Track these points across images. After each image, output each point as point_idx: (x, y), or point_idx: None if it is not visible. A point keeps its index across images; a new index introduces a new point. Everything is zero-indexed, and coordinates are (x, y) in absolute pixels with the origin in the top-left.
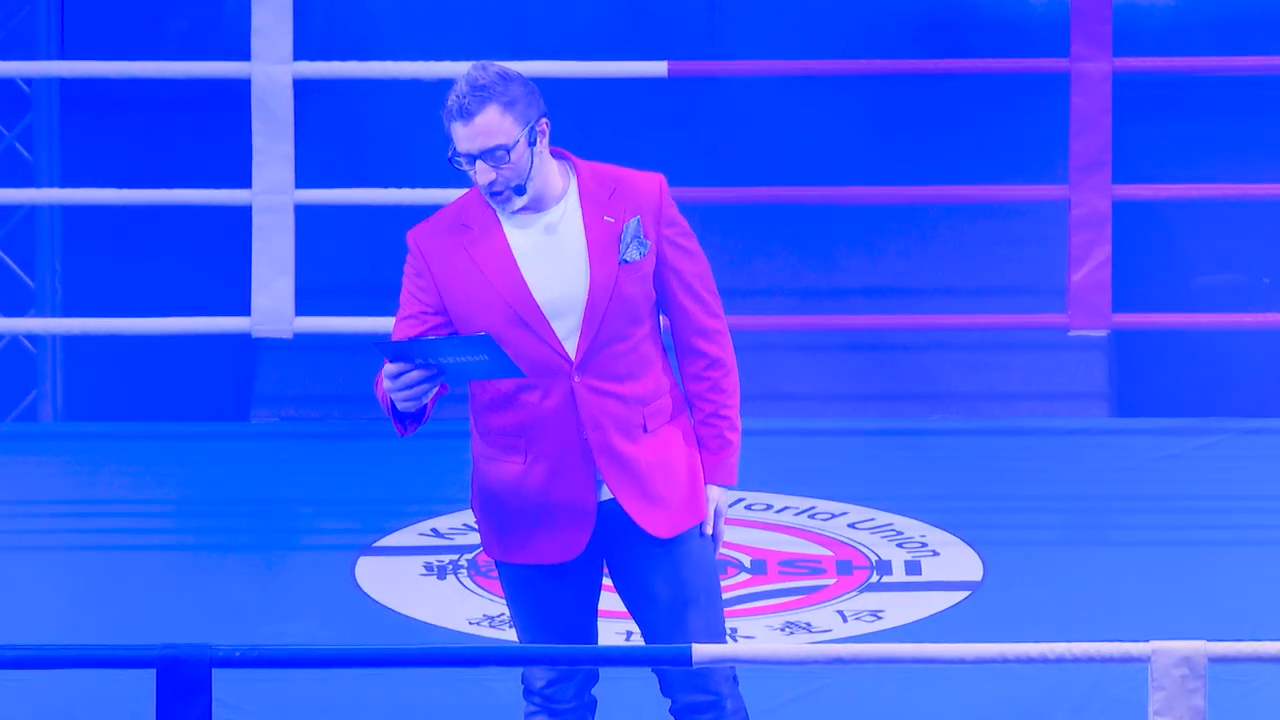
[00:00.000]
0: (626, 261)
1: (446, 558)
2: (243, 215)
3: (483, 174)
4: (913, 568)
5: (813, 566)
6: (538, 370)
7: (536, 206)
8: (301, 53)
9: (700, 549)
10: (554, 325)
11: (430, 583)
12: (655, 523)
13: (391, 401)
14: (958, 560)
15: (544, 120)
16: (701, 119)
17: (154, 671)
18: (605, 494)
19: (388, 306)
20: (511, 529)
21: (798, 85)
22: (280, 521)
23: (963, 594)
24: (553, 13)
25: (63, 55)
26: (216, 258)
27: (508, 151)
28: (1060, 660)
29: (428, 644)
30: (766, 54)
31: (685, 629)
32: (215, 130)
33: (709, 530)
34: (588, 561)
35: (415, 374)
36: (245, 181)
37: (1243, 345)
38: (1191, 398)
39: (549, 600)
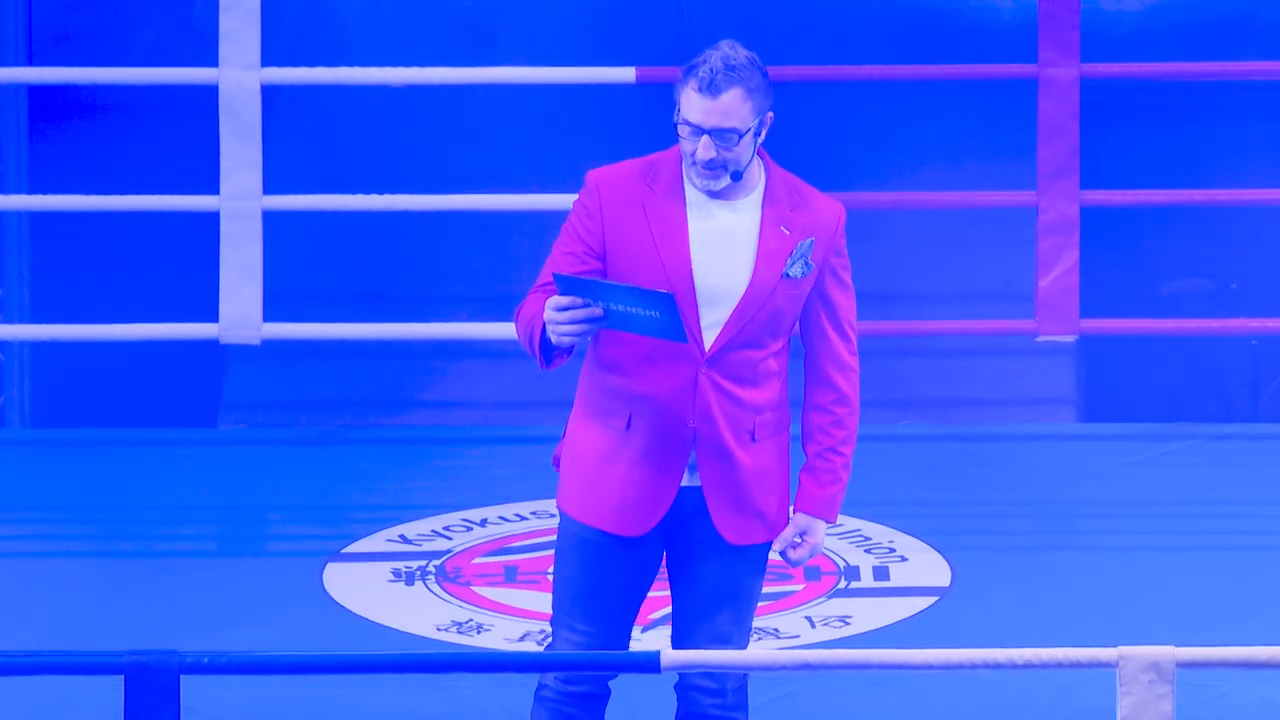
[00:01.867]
0: (789, 276)
1: (414, 564)
2: (211, 221)
3: (705, 150)
4: (881, 573)
5: (780, 572)
6: (670, 350)
7: (725, 195)
8: (270, 59)
9: (759, 563)
10: (701, 312)
11: (398, 589)
12: (731, 528)
13: (542, 332)
14: (926, 566)
15: (770, 114)
16: (670, 125)
17: (122, 678)
18: (687, 480)
19: (356, 312)
20: (590, 489)
21: None
22: (248, 528)
23: (931, 599)
24: (521, 18)
25: (30, 61)
26: (184, 264)
27: (739, 137)
28: (1028, 666)
29: (395, 650)
30: None
31: (715, 617)
32: (183, 136)
33: (788, 553)
34: (650, 543)
35: (582, 312)
36: (213, 188)
37: (1210, 351)
38: (1159, 403)
39: (601, 568)
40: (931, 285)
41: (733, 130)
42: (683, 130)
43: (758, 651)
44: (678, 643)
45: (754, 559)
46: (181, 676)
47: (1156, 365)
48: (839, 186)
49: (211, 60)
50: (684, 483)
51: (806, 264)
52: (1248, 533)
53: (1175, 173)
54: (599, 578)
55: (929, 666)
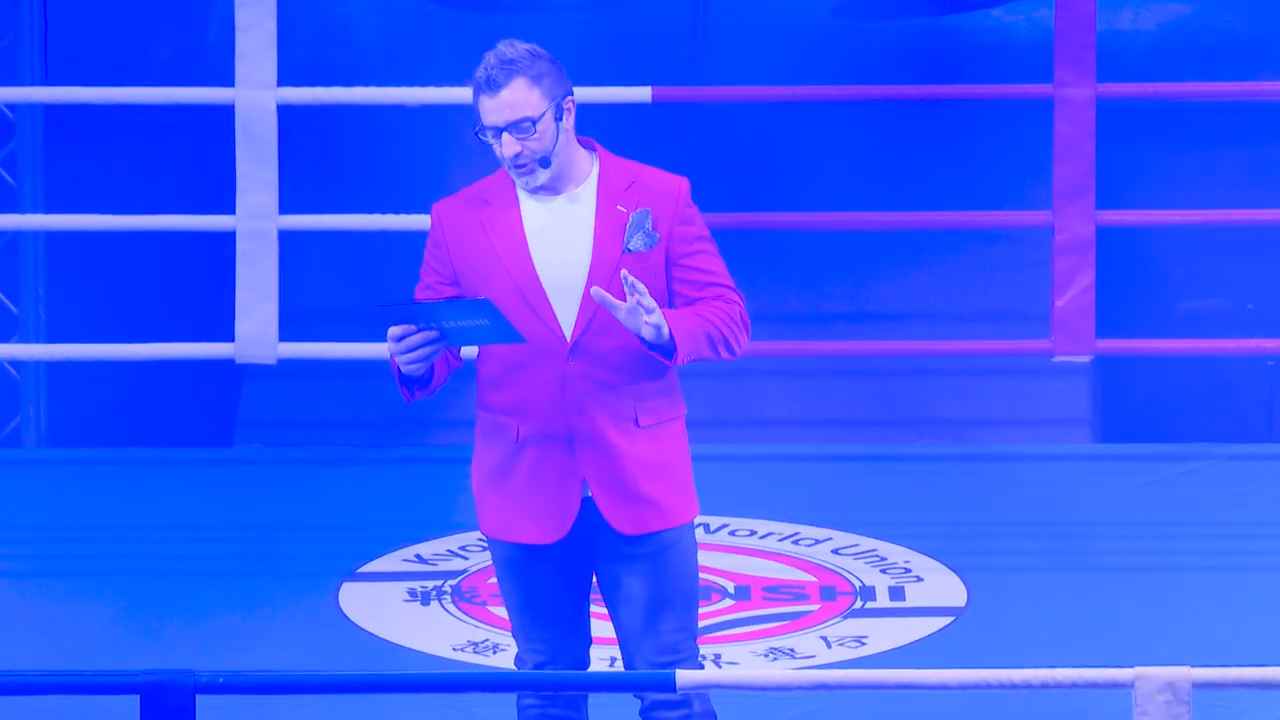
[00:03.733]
0: (631, 250)
1: (430, 584)
2: (227, 241)
3: (508, 146)
4: (896, 593)
5: (796, 592)
6: (533, 349)
7: (556, 188)
8: (285, 78)
9: (678, 550)
10: (555, 306)
11: (414, 609)
12: (623, 519)
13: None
14: (942, 586)
15: (570, 99)
16: (685, 145)
17: (137, 697)
18: (589, 491)
19: (372, 332)
20: (498, 507)
21: (781, 111)
22: (263, 547)
23: (946, 620)
24: (536, 38)
25: (46, 81)
26: (200, 283)
27: (534, 124)
28: (1044, 686)
29: (411, 670)
30: (750, 79)
31: (657, 628)
32: (199, 156)
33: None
34: (572, 549)
35: (417, 337)
36: (229, 207)
37: (1226, 371)
38: (1175, 423)
39: (531, 581)
40: (947, 305)
41: (525, 119)
42: (486, 138)
43: (773, 672)
44: (627, 661)
45: (672, 549)
46: (197, 696)
47: (1172, 385)
48: (855, 205)
49: (228, 80)
50: (586, 493)
51: (648, 235)
52: (1264, 553)
53: (1191, 193)
54: (533, 591)
55: (945, 687)
